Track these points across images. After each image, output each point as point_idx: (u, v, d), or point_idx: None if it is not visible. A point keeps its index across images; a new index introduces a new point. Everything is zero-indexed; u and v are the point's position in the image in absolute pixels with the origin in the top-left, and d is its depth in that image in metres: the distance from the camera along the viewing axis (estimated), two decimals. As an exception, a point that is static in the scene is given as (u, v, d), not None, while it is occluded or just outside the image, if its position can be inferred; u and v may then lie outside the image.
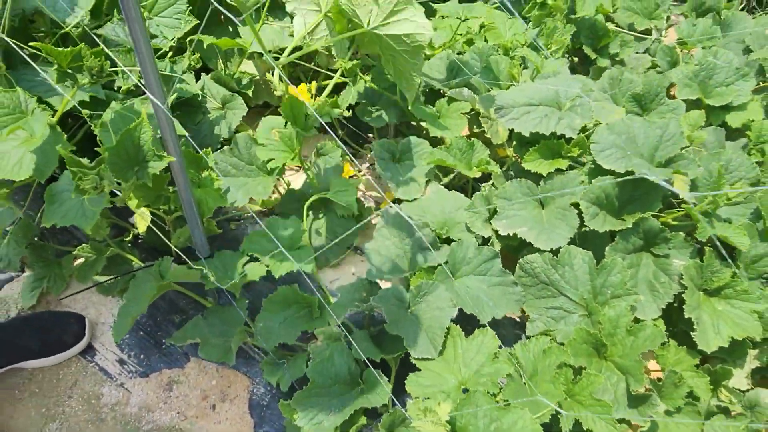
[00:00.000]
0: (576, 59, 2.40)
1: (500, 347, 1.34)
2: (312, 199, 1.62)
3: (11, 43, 1.28)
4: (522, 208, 1.56)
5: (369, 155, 2.12)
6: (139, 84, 1.16)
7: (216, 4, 1.27)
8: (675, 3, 2.76)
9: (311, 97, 1.76)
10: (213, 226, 1.59)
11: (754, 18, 2.39)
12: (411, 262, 1.52)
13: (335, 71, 1.83)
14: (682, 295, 1.39)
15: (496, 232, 1.56)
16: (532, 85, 1.74)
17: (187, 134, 1.37)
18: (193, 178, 1.52)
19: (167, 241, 1.51)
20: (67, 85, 1.32)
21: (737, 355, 1.42)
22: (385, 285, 1.51)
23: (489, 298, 1.44)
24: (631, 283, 1.43)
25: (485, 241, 1.59)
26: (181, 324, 1.58)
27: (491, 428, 1.15)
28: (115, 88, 1.60)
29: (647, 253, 1.49)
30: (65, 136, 1.31)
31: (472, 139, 1.75)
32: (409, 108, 1.80)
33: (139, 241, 1.74)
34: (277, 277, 1.40)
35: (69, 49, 1.24)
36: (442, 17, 2.32)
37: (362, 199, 1.73)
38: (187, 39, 1.76)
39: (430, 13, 2.35)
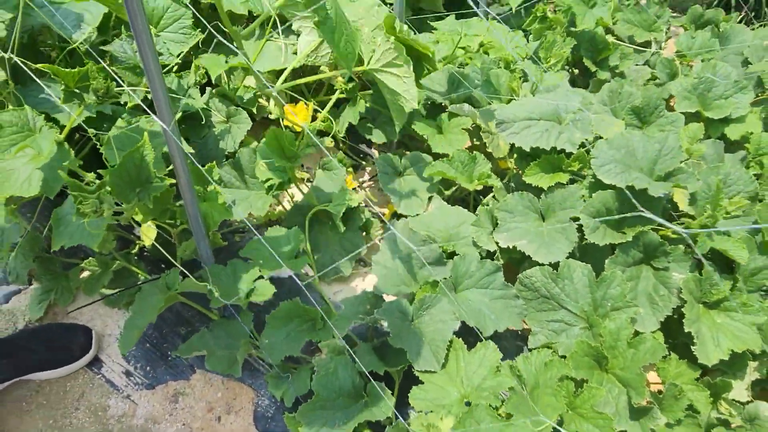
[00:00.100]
0: (576, 71, 2.43)
1: (502, 360, 1.36)
2: (313, 211, 1.64)
3: (20, 63, 1.30)
4: (523, 221, 1.58)
5: (370, 168, 2.14)
6: (146, 109, 1.18)
7: (212, 30, 1.29)
8: (674, 15, 2.79)
9: (311, 114, 1.78)
10: (218, 238, 1.61)
11: (752, 30, 2.41)
12: (416, 275, 1.53)
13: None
14: (682, 309, 1.40)
15: (497, 244, 1.57)
16: (532, 100, 1.76)
17: (191, 152, 1.39)
18: (199, 192, 1.54)
19: (170, 258, 1.53)
20: (73, 104, 1.34)
21: (737, 367, 1.43)
22: (389, 297, 1.53)
23: (491, 312, 1.45)
24: (630, 295, 1.45)
25: (490, 254, 1.61)
26: (187, 336, 1.60)
27: (493, 442, 1.16)
28: (122, 103, 1.62)
29: (647, 266, 1.50)
30: (72, 152, 1.33)
31: (474, 152, 1.77)
32: (396, 132, 1.80)
33: (145, 253, 1.76)
34: (266, 277, 1.42)
35: (76, 69, 1.26)
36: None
37: (363, 214, 1.75)
38: (191, 54, 1.78)
39: (428, 30, 2.37)
